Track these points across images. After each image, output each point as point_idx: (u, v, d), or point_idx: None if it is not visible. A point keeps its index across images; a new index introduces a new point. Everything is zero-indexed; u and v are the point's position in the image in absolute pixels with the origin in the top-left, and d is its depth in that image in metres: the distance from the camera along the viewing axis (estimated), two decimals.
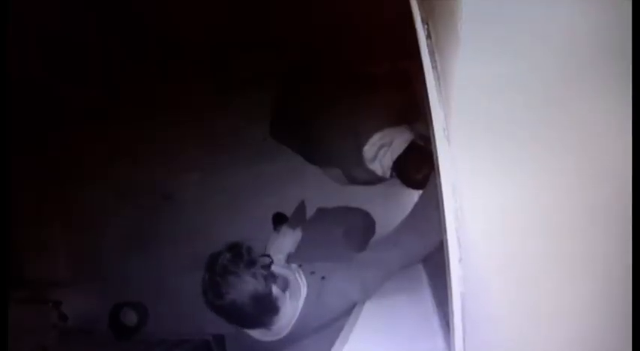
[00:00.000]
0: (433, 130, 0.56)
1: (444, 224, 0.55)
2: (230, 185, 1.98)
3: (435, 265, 1.12)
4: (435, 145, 0.56)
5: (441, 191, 0.55)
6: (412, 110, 1.56)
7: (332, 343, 0.73)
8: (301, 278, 1.02)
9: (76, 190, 2.12)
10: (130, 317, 1.96)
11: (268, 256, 1.03)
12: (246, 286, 0.92)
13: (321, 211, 1.58)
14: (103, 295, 2.03)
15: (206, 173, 2.01)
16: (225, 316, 0.97)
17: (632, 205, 0.37)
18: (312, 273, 1.04)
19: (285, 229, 1.37)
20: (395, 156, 1.50)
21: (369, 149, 1.52)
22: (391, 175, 1.58)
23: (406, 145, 1.50)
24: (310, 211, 1.61)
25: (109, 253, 2.07)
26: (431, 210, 1.04)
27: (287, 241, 1.31)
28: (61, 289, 2.05)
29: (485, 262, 0.52)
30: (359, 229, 1.48)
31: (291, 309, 0.98)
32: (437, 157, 0.56)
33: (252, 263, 0.96)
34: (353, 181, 1.70)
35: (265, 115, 1.85)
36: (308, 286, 1.01)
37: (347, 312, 1.03)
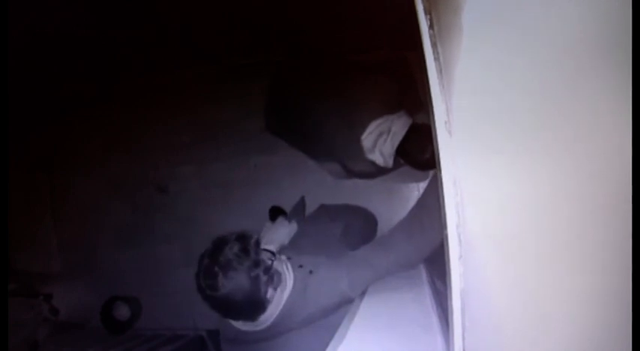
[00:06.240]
0: (434, 122, 0.55)
1: (445, 220, 0.54)
2: (226, 178, 1.96)
3: (435, 262, 1.12)
4: (437, 138, 0.55)
5: (441, 185, 0.54)
6: (411, 96, 1.52)
7: (329, 340, 0.72)
8: (289, 270, 1.01)
9: (68, 181, 2.10)
10: (123, 312, 1.94)
11: (273, 253, 1.01)
12: (243, 284, 0.90)
13: (323, 208, 1.57)
14: (95, 288, 2.01)
15: (202, 166, 1.99)
16: (213, 304, 0.95)
17: (632, 203, 0.37)
18: (300, 266, 1.03)
19: (281, 220, 1.36)
20: (396, 142, 1.43)
21: (367, 138, 1.45)
22: (394, 165, 1.50)
23: (406, 128, 1.43)
24: (312, 206, 1.60)
25: (101, 246, 2.05)
26: (427, 215, 1.04)
27: (281, 232, 1.30)
28: (52, 283, 2.03)
29: (485, 259, 0.51)
30: (359, 228, 1.48)
31: (276, 301, 0.97)
32: (438, 150, 0.55)
33: (256, 264, 0.93)
34: (352, 174, 1.64)
35: (262, 107, 1.81)
36: (295, 279, 1.00)
37: (336, 307, 1.03)
